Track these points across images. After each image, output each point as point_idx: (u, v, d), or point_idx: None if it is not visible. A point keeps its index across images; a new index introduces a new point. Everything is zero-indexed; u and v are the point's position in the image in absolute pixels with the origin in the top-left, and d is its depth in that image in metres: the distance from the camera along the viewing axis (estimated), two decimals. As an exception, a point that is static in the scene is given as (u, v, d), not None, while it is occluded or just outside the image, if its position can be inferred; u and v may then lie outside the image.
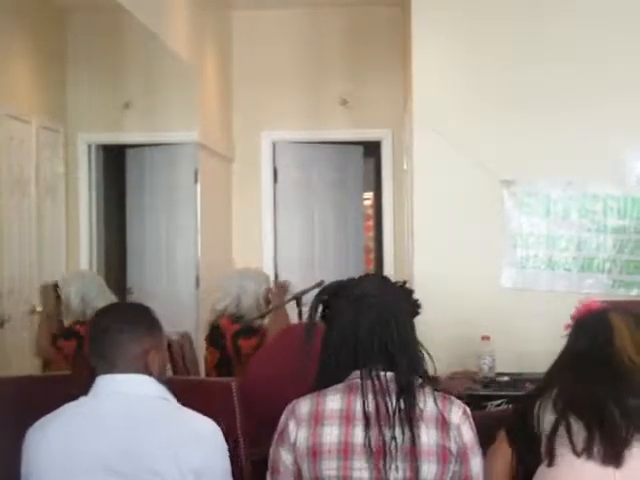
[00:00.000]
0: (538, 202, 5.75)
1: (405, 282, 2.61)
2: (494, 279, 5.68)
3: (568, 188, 5.70)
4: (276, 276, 7.44)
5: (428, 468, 2.34)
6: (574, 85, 5.70)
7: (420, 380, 2.45)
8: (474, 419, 2.47)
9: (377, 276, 2.74)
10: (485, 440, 2.58)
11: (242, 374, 4.52)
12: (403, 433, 2.35)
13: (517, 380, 4.99)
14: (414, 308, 2.56)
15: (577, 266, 5.68)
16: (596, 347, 2.76)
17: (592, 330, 2.81)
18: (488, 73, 5.80)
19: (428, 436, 2.36)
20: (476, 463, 2.44)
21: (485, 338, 5.31)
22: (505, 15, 5.78)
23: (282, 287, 5.20)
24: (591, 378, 2.69)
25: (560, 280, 5.63)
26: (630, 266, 5.65)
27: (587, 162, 5.67)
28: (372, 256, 9.33)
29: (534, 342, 5.21)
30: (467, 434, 2.42)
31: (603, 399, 2.62)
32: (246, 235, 7.98)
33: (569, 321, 2.94)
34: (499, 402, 4.67)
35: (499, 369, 5.24)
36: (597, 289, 5.54)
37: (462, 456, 2.40)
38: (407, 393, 2.39)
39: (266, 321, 5.03)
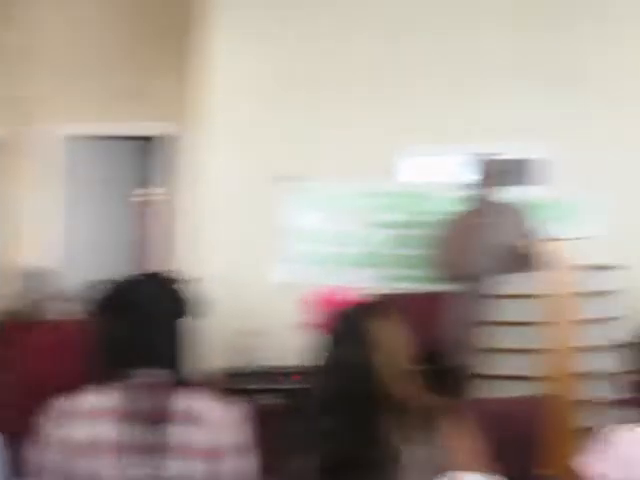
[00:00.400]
0: (314, 198, 5.89)
1: (184, 280, 2.58)
2: (271, 274, 5.79)
3: (344, 184, 5.85)
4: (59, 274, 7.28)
5: (194, 466, 2.32)
6: (350, 83, 5.88)
7: (188, 379, 2.44)
8: (249, 414, 2.44)
9: (152, 276, 2.64)
10: (258, 436, 2.49)
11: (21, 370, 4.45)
12: (166, 431, 2.33)
13: (286, 374, 5.05)
14: (187, 308, 2.55)
15: (353, 261, 5.84)
16: (346, 378, 2.45)
17: (344, 354, 2.49)
18: (271, 71, 5.91)
19: (194, 434, 2.34)
20: (247, 461, 2.41)
21: (257, 332, 5.41)
22: (296, 11, 5.92)
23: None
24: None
25: (334, 275, 5.75)
26: (403, 260, 5.83)
27: (364, 159, 5.84)
28: (160, 252, 9.23)
29: (304, 336, 5.28)
30: (237, 432, 2.40)
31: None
32: (34, 233, 7.74)
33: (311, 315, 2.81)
34: (270, 395, 4.74)
35: (274, 363, 5.34)
36: (372, 283, 5.66)
37: (232, 454, 2.38)
38: (170, 392, 2.39)
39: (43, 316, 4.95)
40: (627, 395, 4.31)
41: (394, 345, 2.47)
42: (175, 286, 2.55)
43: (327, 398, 2.47)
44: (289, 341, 5.37)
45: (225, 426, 2.39)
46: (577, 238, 4.76)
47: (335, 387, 2.47)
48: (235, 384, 4.78)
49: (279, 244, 5.85)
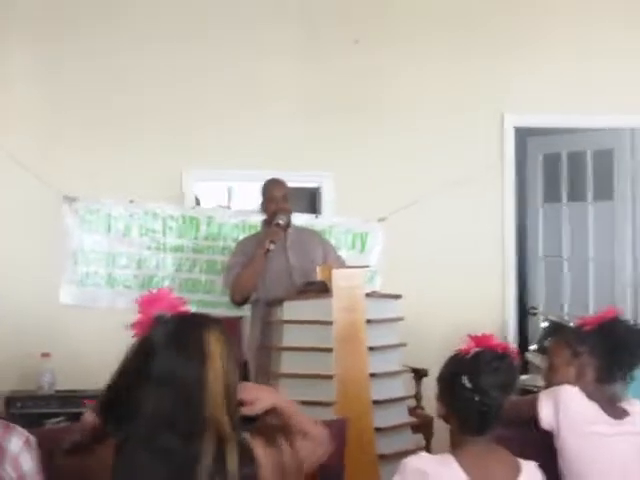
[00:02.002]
0: (99, 219, 5.78)
1: None
2: (54, 295, 5.63)
3: (130, 206, 5.79)
4: None
5: None
6: (140, 105, 5.82)
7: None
8: (39, 440, 2.40)
9: None
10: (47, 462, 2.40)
11: None
12: None
13: (76, 397, 4.95)
14: None
15: (137, 284, 5.77)
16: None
17: (174, 365, 2.16)
18: (55, 86, 5.77)
19: None
20: None
21: (45, 355, 5.25)
22: (79, 29, 5.79)
23: None
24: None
25: (120, 297, 5.67)
26: (188, 284, 5.85)
27: (149, 181, 5.81)
28: None
29: (94, 358, 5.21)
30: (26, 464, 2.37)
31: None
32: None
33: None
34: (58, 419, 4.64)
35: (60, 386, 5.21)
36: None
37: None
38: None
39: None
40: (410, 419, 4.52)
41: (226, 362, 2.18)
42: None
43: (160, 415, 2.14)
44: (79, 363, 5.32)
45: (14, 459, 2.35)
46: (363, 266, 4.89)
47: (167, 404, 2.15)
48: (23, 409, 4.64)
49: (67, 265, 5.70)
